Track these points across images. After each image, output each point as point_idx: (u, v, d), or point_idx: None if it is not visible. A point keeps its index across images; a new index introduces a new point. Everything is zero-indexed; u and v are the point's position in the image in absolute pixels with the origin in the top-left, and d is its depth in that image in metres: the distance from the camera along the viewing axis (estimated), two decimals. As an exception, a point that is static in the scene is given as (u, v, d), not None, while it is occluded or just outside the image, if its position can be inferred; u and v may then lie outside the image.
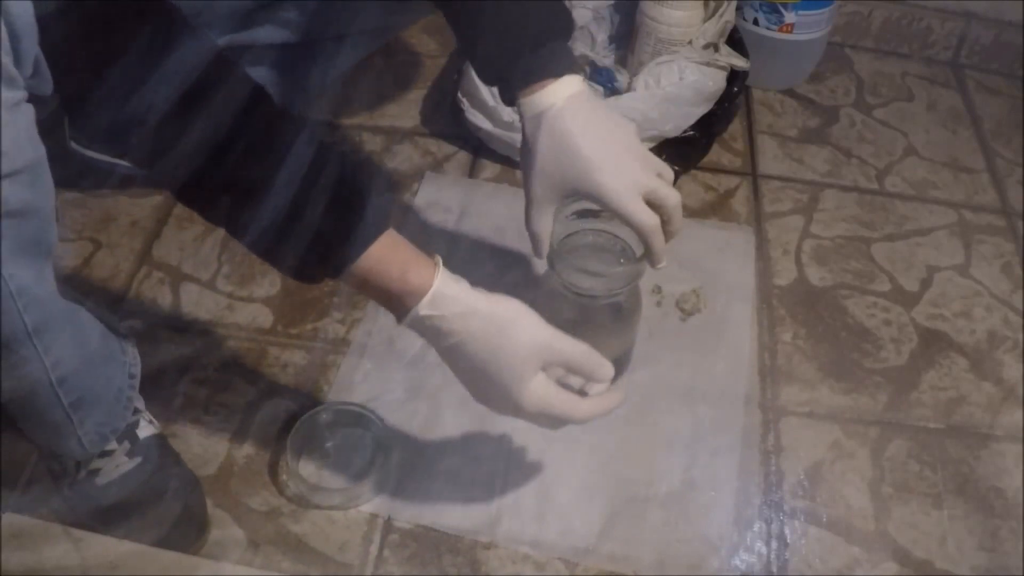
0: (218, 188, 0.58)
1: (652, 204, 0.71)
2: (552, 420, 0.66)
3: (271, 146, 0.58)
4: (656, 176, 0.72)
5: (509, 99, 0.74)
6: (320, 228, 0.59)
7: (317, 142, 0.59)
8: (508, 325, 0.63)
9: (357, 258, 0.60)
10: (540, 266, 0.90)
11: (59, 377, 0.61)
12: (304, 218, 0.58)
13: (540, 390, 0.64)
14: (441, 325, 0.62)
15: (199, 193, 0.60)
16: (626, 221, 0.72)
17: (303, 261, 0.61)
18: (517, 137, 1.04)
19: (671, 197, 0.72)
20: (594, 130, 0.70)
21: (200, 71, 0.55)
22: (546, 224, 0.75)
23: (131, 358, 0.73)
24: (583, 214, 0.80)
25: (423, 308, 0.61)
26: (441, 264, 0.63)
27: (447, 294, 0.62)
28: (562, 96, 0.70)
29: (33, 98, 0.50)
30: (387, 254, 0.61)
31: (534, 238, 0.76)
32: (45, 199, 0.53)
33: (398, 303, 0.62)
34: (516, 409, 0.65)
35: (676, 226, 0.74)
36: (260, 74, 0.87)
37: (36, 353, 0.58)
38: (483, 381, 0.65)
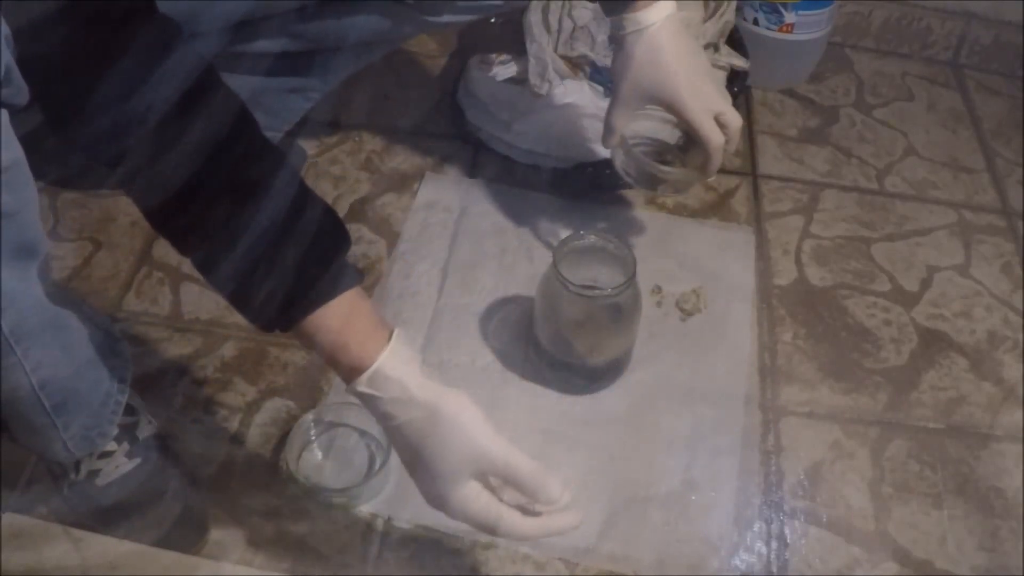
0: (190, 221, 0.56)
1: (719, 124, 0.82)
2: (487, 531, 0.61)
3: (250, 184, 0.56)
4: (725, 101, 0.83)
5: (613, 11, 0.82)
6: (282, 277, 0.56)
7: (297, 185, 0.58)
8: (445, 424, 0.59)
9: (306, 315, 0.57)
10: (536, 268, 0.90)
11: (41, 380, 0.60)
12: (269, 265, 0.56)
13: (471, 498, 0.60)
14: (379, 405, 0.60)
15: (168, 222, 0.57)
16: (697, 134, 0.82)
17: (260, 306, 0.58)
18: (517, 137, 1.05)
19: (735, 121, 0.83)
20: (683, 52, 0.81)
21: (187, 91, 0.54)
22: (622, 121, 0.85)
23: (122, 361, 0.72)
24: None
25: (360, 385, 0.59)
26: (395, 340, 0.60)
27: (388, 376, 0.59)
28: (661, 16, 0.80)
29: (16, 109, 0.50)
30: (339, 319, 0.58)
31: (609, 129, 0.86)
32: (25, 202, 0.52)
33: (341, 371, 0.60)
34: (445, 509, 0.61)
35: (732, 146, 0.85)
36: (256, 82, 0.87)
37: (15, 356, 0.57)
38: (416, 471, 0.62)
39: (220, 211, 0.55)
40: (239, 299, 0.59)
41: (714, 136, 0.82)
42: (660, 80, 0.81)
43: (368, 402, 0.60)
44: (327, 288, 0.58)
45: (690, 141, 0.88)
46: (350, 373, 0.59)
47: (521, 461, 0.60)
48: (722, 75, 1.06)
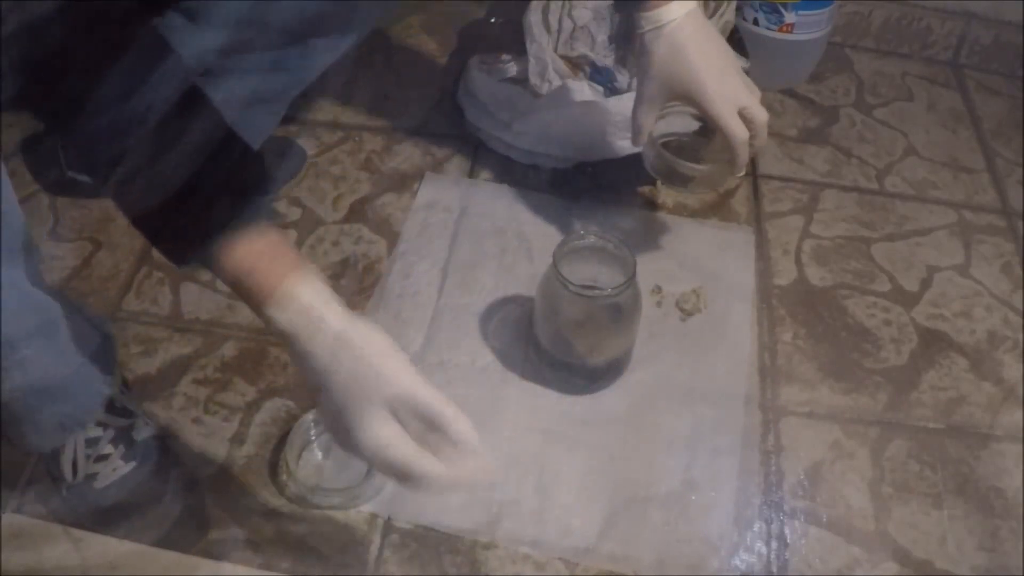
0: (112, 154, 0.56)
1: (744, 119, 0.81)
2: (396, 473, 0.58)
3: (174, 125, 0.56)
4: (750, 95, 0.82)
5: (628, 10, 0.83)
6: (201, 209, 0.57)
7: (222, 127, 0.58)
8: (359, 354, 0.57)
9: (220, 243, 0.57)
10: (538, 261, 0.90)
11: (31, 382, 0.61)
12: (189, 197, 0.56)
13: (382, 434, 0.57)
14: (286, 330, 0.57)
15: (90, 156, 0.58)
16: (722, 129, 0.81)
17: (176, 236, 0.59)
18: (517, 137, 1.05)
19: (761, 115, 0.82)
20: (705, 47, 0.81)
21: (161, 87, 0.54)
22: (650, 119, 0.86)
23: (106, 354, 0.72)
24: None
25: (269, 307, 0.57)
26: (309, 269, 0.59)
27: (298, 298, 0.57)
28: (680, 13, 0.80)
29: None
30: (254, 249, 0.58)
31: (637, 128, 0.86)
32: (2, 201, 0.53)
33: (253, 299, 0.58)
34: (355, 448, 0.58)
35: (760, 142, 0.83)
36: (245, 82, 0.86)
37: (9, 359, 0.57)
38: (326, 405, 0.59)
39: (144, 147, 0.55)
40: (156, 231, 0.61)
41: (738, 131, 0.81)
42: (682, 77, 0.80)
43: (277, 328, 0.58)
44: (243, 220, 0.58)
45: (708, 131, 0.89)
46: (261, 299, 0.57)
47: (431, 391, 0.58)
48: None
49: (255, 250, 0.58)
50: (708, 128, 0.88)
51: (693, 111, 0.87)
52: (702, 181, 0.91)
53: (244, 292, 0.58)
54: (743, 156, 0.82)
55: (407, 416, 0.58)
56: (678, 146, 0.94)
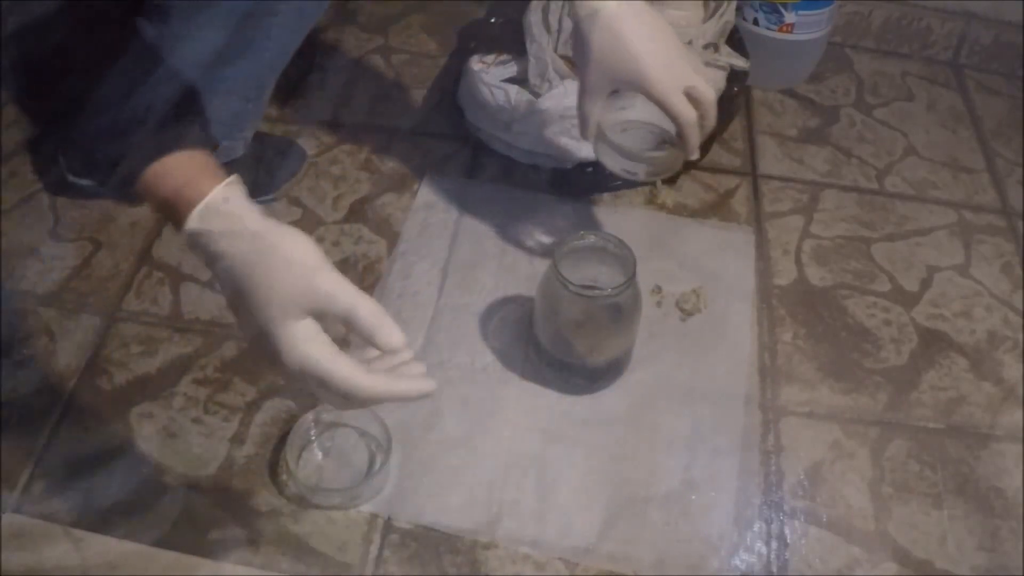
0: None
1: (691, 99, 0.78)
2: (321, 383, 0.55)
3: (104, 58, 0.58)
4: (696, 75, 0.79)
5: None
6: (128, 137, 0.58)
7: (159, 61, 0.60)
8: (279, 255, 0.55)
9: (146, 163, 0.58)
10: (542, 251, 0.90)
11: None
12: (120, 125, 0.58)
13: (303, 337, 0.54)
14: (209, 244, 0.56)
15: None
16: (668, 112, 0.78)
17: (106, 166, 0.59)
18: (517, 137, 1.05)
19: (708, 94, 0.79)
20: (644, 30, 0.78)
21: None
22: (595, 110, 0.82)
23: None
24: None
25: (191, 222, 0.56)
26: (234, 184, 0.58)
27: (219, 210, 0.56)
28: None
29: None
30: (175, 165, 0.58)
31: (583, 120, 0.83)
32: None
33: (176, 216, 0.58)
34: (275, 357, 0.55)
35: (710, 122, 0.80)
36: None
37: None
38: (245, 316, 0.56)
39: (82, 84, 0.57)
40: (89, 164, 0.62)
41: (685, 112, 0.77)
42: (623, 62, 0.77)
43: (199, 243, 0.57)
44: (171, 141, 0.58)
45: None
46: (184, 211, 0.57)
47: (358, 294, 0.55)
48: (721, 74, 1.06)
49: (177, 169, 0.58)
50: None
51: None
52: (655, 168, 0.87)
53: (170, 209, 0.58)
54: (693, 138, 0.79)
55: (332, 323, 0.55)
56: (648, 136, 0.91)
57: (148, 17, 0.75)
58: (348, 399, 0.56)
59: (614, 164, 0.86)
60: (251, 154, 1.01)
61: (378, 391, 0.55)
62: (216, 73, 0.82)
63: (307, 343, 0.54)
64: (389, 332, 0.55)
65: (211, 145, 0.60)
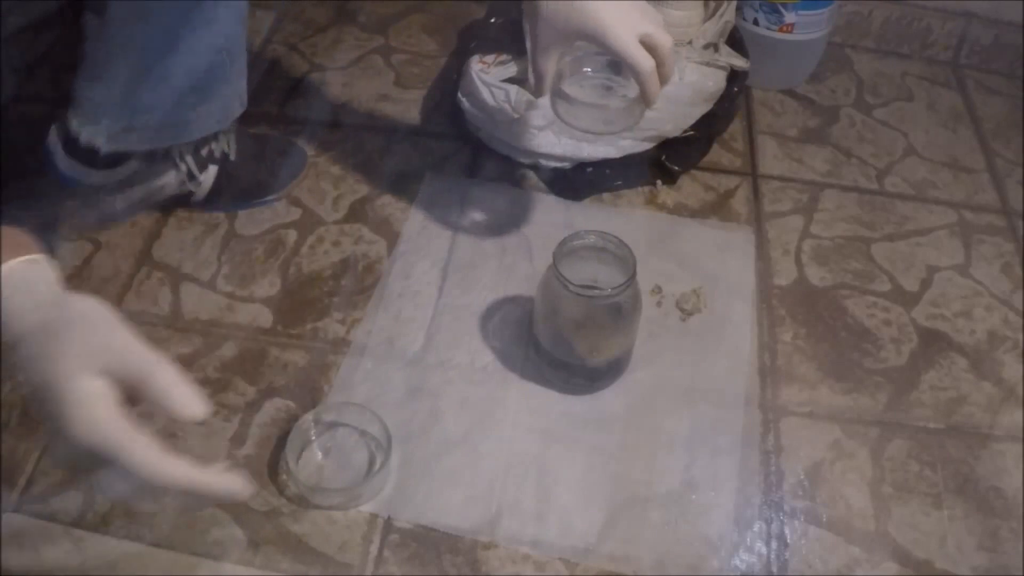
0: None
1: (647, 47, 0.75)
2: (109, 456, 0.49)
3: None
4: (651, 22, 0.76)
5: None
6: None
7: None
8: (72, 321, 0.52)
9: None
10: (539, 259, 0.90)
11: None
12: None
13: (91, 398, 0.49)
14: (6, 306, 0.51)
15: None
16: (625, 62, 0.75)
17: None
18: (517, 137, 1.05)
19: (665, 40, 0.76)
20: None
21: None
22: (550, 66, 0.79)
23: None
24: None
25: None
26: (37, 256, 0.55)
27: (19, 274, 0.53)
28: None
29: None
30: None
31: (538, 77, 0.80)
32: None
33: None
34: (61, 423, 0.49)
35: (668, 70, 0.77)
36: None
37: None
38: (35, 379, 0.50)
39: None
40: None
41: (643, 61, 0.74)
42: (575, 11, 0.74)
43: None
44: None
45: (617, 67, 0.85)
46: None
47: (156, 356, 0.51)
48: (721, 74, 1.06)
49: None
50: (615, 62, 0.84)
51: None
52: (616, 120, 0.83)
53: None
54: (652, 87, 0.76)
55: (124, 386, 0.50)
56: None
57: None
58: (139, 478, 0.49)
59: (574, 120, 0.84)
60: (252, 155, 1.01)
61: (181, 477, 0.49)
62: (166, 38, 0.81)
63: (96, 406, 0.49)
64: (188, 400, 0.50)
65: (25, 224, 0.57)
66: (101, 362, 0.50)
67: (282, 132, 1.12)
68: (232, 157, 0.98)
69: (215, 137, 0.96)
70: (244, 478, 0.51)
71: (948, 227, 1.08)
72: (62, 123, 0.86)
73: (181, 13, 0.78)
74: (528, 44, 0.85)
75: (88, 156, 0.87)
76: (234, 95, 0.90)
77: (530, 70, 0.81)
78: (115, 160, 0.89)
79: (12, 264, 0.52)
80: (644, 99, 0.78)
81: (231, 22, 0.82)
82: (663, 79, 0.77)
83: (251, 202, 1.02)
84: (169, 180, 0.96)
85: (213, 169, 0.97)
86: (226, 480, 0.51)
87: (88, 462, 0.49)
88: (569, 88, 0.83)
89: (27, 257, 0.54)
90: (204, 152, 0.95)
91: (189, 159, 0.95)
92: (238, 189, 1.00)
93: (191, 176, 0.96)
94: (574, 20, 0.75)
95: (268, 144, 1.05)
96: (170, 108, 0.85)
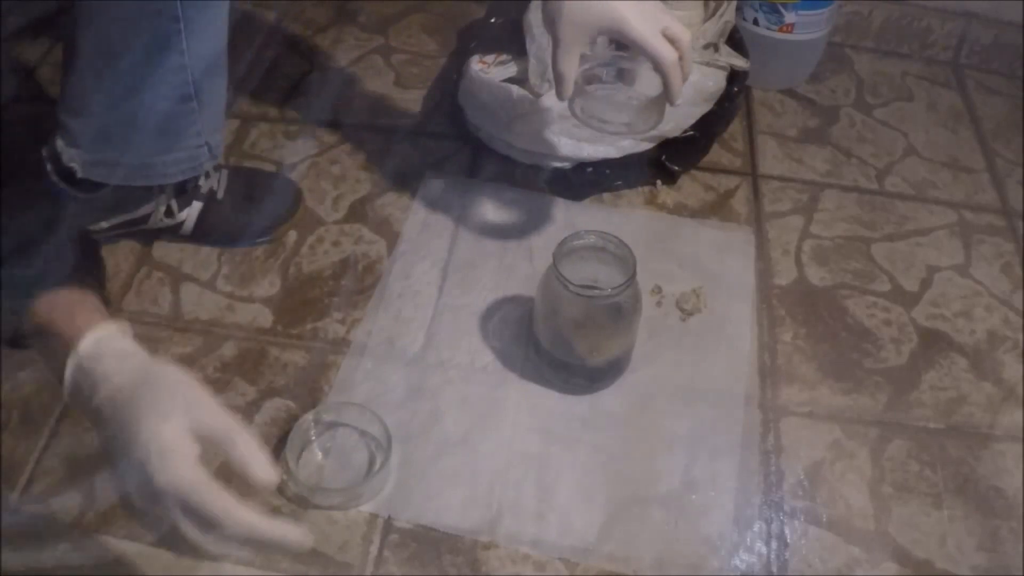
0: None
1: (668, 39, 0.77)
2: (190, 504, 0.52)
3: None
4: (668, 15, 0.78)
5: None
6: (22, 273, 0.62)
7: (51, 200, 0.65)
8: (166, 376, 0.58)
9: (46, 287, 0.61)
10: (535, 264, 0.90)
11: None
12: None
13: (180, 452, 0.53)
14: (97, 366, 0.57)
15: None
16: (648, 55, 0.76)
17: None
18: (517, 137, 1.05)
19: (683, 34, 0.78)
20: None
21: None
22: (572, 65, 0.79)
23: None
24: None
25: (85, 344, 0.57)
26: (124, 325, 0.61)
27: (111, 338, 0.59)
28: None
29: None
30: (71, 298, 0.61)
31: (560, 78, 0.80)
32: None
33: (61, 341, 0.59)
34: (145, 474, 0.52)
35: (688, 64, 0.79)
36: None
37: None
38: (120, 436, 0.55)
39: None
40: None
41: (667, 52, 0.76)
42: (597, 9, 0.76)
43: (87, 366, 0.57)
44: (69, 277, 0.62)
45: (626, 75, 0.86)
46: (74, 338, 0.58)
47: (240, 424, 0.55)
48: (721, 74, 1.06)
49: (78, 302, 0.61)
50: (626, 72, 0.86)
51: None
52: (639, 119, 0.84)
53: (57, 334, 0.59)
54: (675, 80, 0.78)
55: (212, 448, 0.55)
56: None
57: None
58: (213, 527, 0.53)
59: (596, 122, 0.84)
60: (244, 194, 0.99)
61: (251, 524, 0.53)
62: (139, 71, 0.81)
63: (182, 454, 0.53)
64: (266, 468, 0.55)
65: (104, 296, 0.65)
66: (188, 420, 0.54)
67: (282, 132, 1.12)
68: (220, 195, 0.96)
69: (204, 174, 0.95)
70: (304, 530, 0.54)
71: (948, 227, 1.08)
72: (53, 137, 0.86)
73: (146, 59, 0.78)
74: (530, 39, 0.84)
75: (70, 175, 0.87)
76: (202, 146, 0.87)
77: (534, 63, 0.81)
78: (94, 185, 0.88)
79: (99, 331, 0.58)
80: (668, 93, 0.79)
81: (200, 72, 0.81)
82: (684, 73, 0.79)
83: (238, 243, 0.99)
84: (149, 212, 0.94)
85: (197, 206, 0.95)
86: (291, 532, 0.54)
87: (163, 510, 0.53)
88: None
89: (113, 323, 0.60)
90: (189, 188, 0.94)
91: (170, 194, 0.93)
92: (226, 228, 0.97)
93: (169, 212, 0.94)
94: (597, 17, 0.76)
95: (261, 182, 1.02)
96: (138, 151, 0.84)
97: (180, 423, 0.54)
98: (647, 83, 0.86)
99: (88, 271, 0.67)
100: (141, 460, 0.53)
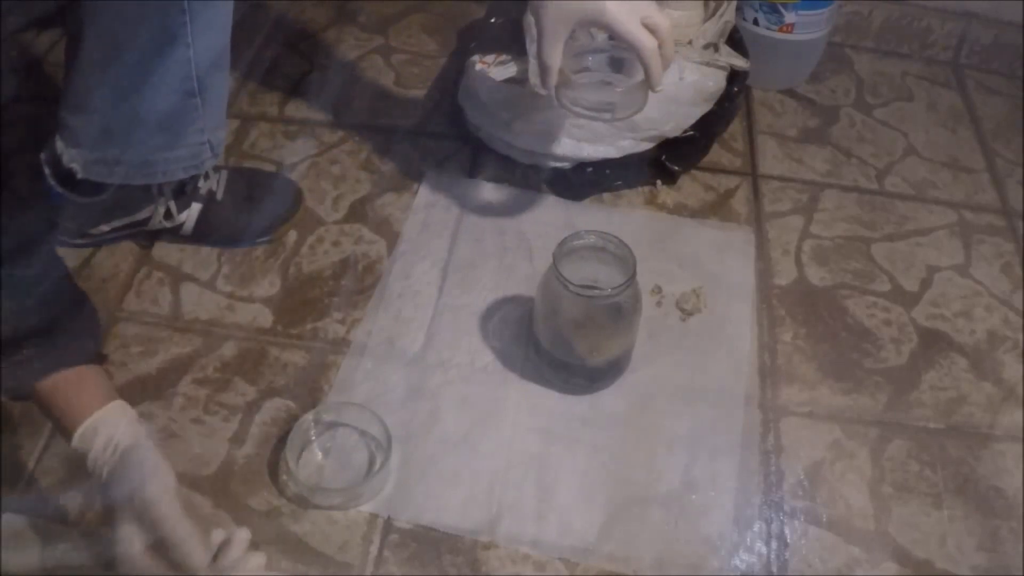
0: None
1: (648, 28, 0.78)
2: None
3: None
4: (649, 6, 0.79)
5: None
6: (26, 352, 0.65)
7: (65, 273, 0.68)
8: (129, 475, 0.64)
9: (41, 378, 0.65)
10: (538, 258, 0.90)
11: None
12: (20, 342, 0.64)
13: (126, 540, 0.62)
14: (87, 462, 0.65)
15: None
16: (628, 41, 0.78)
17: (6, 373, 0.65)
18: (517, 137, 1.05)
19: (663, 21, 0.79)
20: None
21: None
22: (556, 56, 0.81)
23: None
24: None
25: (75, 440, 0.64)
26: (113, 407, 0.66)
27: (96, 431, 0.65)
28: None
29: None
30: (66, 382, 0.66)
31: (544, 69, 0.82)
32: None
33: (61, 430, 0.65)
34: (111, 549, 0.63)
35: (669, 51, 0.80)
36: None
37: None
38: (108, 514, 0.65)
39: None
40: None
41: (645, 39, 0.78)
42: (580, 1, 0.78)
43: (78, 451, 0.65)
44: (61, 359, 0.66)
45: (614, 62, 0.87)
46: (68, 431, 0.65)
47: (180, 521, 0.62)
48: (721, 74, 1.06)
49: (72, 386, 0.66)
50: (618, 61, 0.87)
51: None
52: (623, 105, 0.86)
53: (56, 423, 0.66)
54: (655, 67, 0.79)
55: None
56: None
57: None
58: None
59: (580, 109, 0.86)
60: (244, 195, 0.98)
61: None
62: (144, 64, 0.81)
63: (130, 544, 0.62)
64: (188, 553, 0.62)
65: (100, 360, 0.70)
66: (138, 514, 0.62)
67: (282, 132, 1.12)
68: (220, 196, 0.96)
69: (203, 174, 0.95)
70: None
71: (948, 227, 1.08)
72: (52, 140, 0.86)
73: (152, 53, 0.78)
74: (529, 40, 0.84)
75: (69, 178, 0.87)
76: (204, 143, 0.87)
77: (534, 63, 0.83)
78: (94, 187, 0.88)
79: (96, 415, 0.65)
80: (648, 79, 0.80)
81: (205, 67, 0.81)
82: (665, 60, 0.80)
83: (238, 244, 0.99)
84: (149, 214, 0.94)
85: (196, 207, 0.95)
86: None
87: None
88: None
89: (107, 406, 0.66)
90: (188, 189, 0.94)
91: (169, 196, 0.93)
92: (226, 228, 0.97)
93: (168, 214, 0.94)
94: (578, 7, 0.78)
95: (261, 182, 1.02)
96: (140, 148, 0.84)
97: (131, 516, 0.62)
98: (638, 71, 0.86)
99: (86, 333, 0.69)
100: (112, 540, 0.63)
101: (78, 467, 0.66)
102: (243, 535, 0.65)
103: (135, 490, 0.62)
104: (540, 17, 0.80)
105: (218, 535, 0.65)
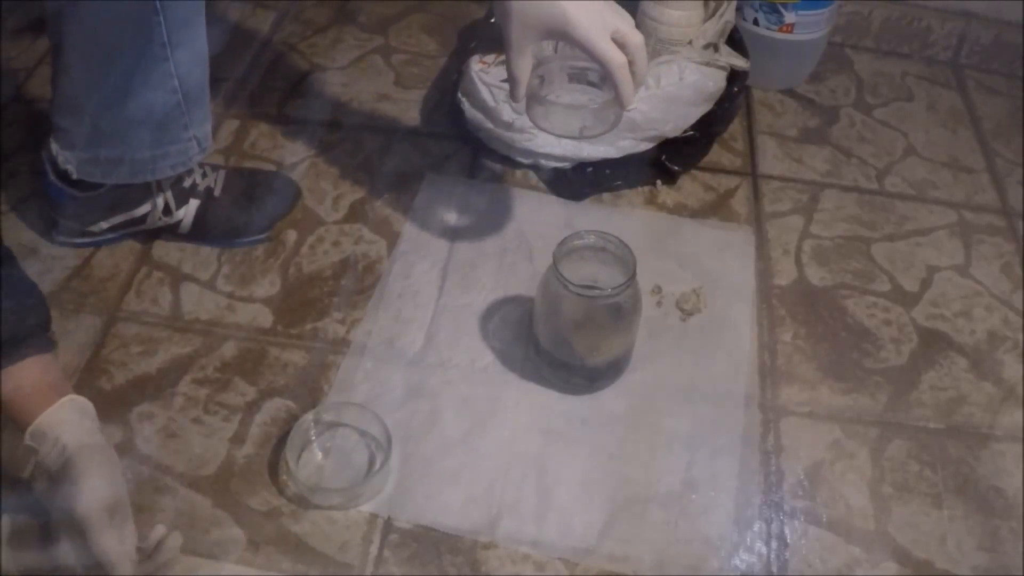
0: None
1: (618, 44, 0.75)
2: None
3: None
4: (621, 19, 0.76)
5: None
6: None
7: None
8: (70, 475, 0.65)
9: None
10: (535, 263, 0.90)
11: None
12: None
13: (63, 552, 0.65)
14: (37, 458, 0.66)
15: None
16: (596, 58, 0.75)
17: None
18: (517, 137, 1.05)
19: (635, 37, 0.76)
20: None
21: None
22: (524, 68, 0.78)
23: None
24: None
25: (27, 439, 0.65)
26: (65, 404, 0.66)
27: (45, 433, 0.65)
28: None
29: None
30: (19, 376, 0.66)
31: (513, 81, 0.79)
32: None
33: (17, 423, 0.66)
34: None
35: (640, 68, 0.77)
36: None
37: None
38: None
39: None
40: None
41: (614, 56, 0.74)
42: (544, 12, 0.74)
43: (29, 447, 0.66)
44: (13, 355, 0.65)
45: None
46: (22, 426, 0.66)
47: (115, 546, 0.64)
48: (721, 74, 1.06)
49: (26, 379, 0.66)
50: (597, 72, 0.84)
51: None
52: (594, 124, 0.82)
53: (13, 416, 0.66)
54: (625, 83, 0.75)
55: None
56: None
57: None
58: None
59: (548, 124, 0.83)
60: (242, 191, 0.98)
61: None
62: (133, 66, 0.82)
63: (65, 556, 0.65)
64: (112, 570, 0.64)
65: (53, 350, 0.69)
66: (71, 529, 0.64)
67: (282, 132, 1.12)
68: (217, 193, 0.96)
69: (201, 172, 0.95)
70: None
71: (948, 227, 1.08)
72: (48, 140, 0.87)
73: (130, 54, 0.79)
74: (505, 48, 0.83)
75: (67, 176, 0.88)
76: (191, 139, 0.88)
77: (508, 72, 0.80)
78: (91, 184, 0.89)
79: (47, 413, 0.65)
80: (618, 97, 0.76)
81: (188, 66, 0.82)
82: (636, 77, 0.77)
83: (236, 240, 0.99)
84: (148, 211, 0.94)
85: (195, 204, 0.95)
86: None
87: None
88: (546, 95, 0.82)
89: (58, 403, 0.66)
90: (186, 185, 0.94)
91: (168, 193, 0.93)
92: (224, 225, 0.97)
93: (167, 210, 0.94)
94: (543, 18, 0.74)
95: (258, 179, 1.01)
96: (129, 147, 0.85)
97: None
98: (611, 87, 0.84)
99: (33, 321, 0.69)
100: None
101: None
102: (176, 540, 0.67)
103: (70, 506, 0.64)
104: (505, 28, 0.77)
105: (158, 531, 0.66)
